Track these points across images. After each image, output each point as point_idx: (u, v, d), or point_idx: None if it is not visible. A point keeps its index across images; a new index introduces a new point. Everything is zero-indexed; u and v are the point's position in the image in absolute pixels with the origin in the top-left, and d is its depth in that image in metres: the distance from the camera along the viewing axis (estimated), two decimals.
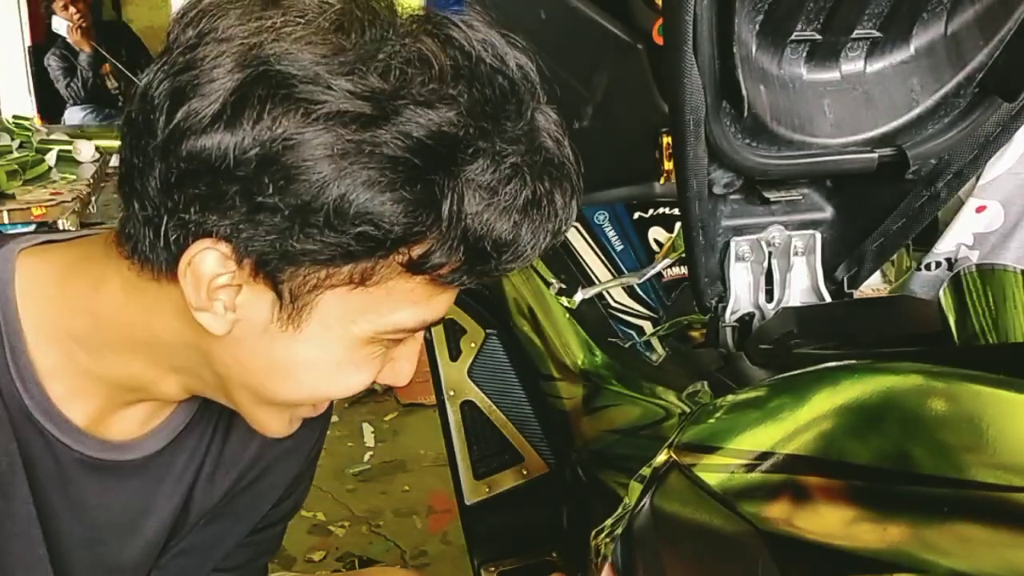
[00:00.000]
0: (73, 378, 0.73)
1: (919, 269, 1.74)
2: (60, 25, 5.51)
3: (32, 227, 2.80)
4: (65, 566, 0.79)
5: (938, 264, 1.80)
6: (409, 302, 0.66)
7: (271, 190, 0.59)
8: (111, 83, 5.71)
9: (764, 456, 0.67)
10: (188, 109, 0.59)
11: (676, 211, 1.44)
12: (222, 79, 0.59)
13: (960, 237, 1.74)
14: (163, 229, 0.62)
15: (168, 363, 0.72)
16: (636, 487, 0.79)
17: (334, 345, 0.67)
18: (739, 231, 0.96)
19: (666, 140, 1.41)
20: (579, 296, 1.32)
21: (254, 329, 0.66)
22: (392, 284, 0.64)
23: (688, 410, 1.03)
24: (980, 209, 1.70)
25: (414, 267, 0.63)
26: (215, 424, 0.84)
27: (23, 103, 5.67)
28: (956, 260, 1.83)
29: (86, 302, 0.71)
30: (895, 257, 1.91)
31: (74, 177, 3.36)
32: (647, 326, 1.33)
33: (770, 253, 0.97)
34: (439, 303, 0.68)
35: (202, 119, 0.59)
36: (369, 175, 0.59)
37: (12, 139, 3.45)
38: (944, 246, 1.69)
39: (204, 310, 0.64)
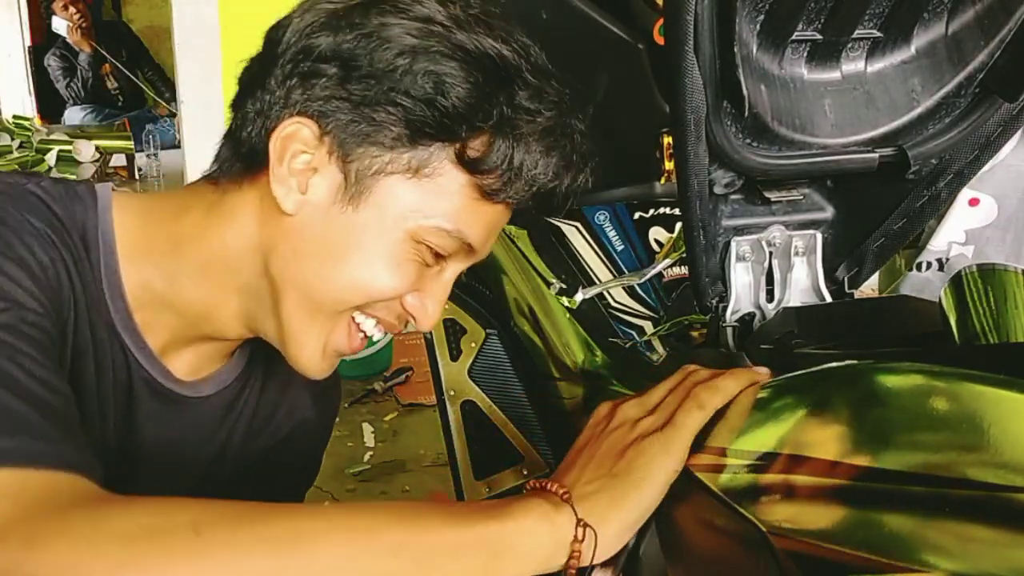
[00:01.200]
0: (148, 307, 0.82)
1: (911, 269, 1.74)
2: (60, 25, 5.52)
3: None
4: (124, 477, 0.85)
5: (929, 265, 1.80)
6: (452, 205, 0.76)
7: (361, 58, 0.72)
8: (111, 83, 5.71)
9: (766, 456, 0.67)
10: (309, 17, 0.75)
11: (677, 211, 1.44)
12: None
13: (952, 235, 1.74)
14: (270, 114, 0.76)
15: (233, 282, 0.81)
16: None
17: (382, 233, 0.76)
18: (740, 231, 0.96)
19: (667, 140, 1.41)
20: (580, 296, 1.32)
21: (317, 211, 0.76)
22: (442, 181, 0.75)
23: None
24: (973, 202, 1.69)
25: (465, 162, 0.74)
26: (252, 390, 0.94)
27: (23, 103, 5.68)
28: (948, 259, 1.83)
29: (168, 229, 0.82)
30: None
31: (74, 177, 3.37)
32: (648, 326, 1.33)
33: (771, 253, 0.97)
34: (476, 219, 0.77)
35: (317, 22, 0.75)
36: (444, 51, 0.72)
37: (12, 139, 3.47)
38: (937, 244, 1.69)
39: (281, 183, 0.75)
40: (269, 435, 0.98)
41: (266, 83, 0.76)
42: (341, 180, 0.75)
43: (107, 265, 0.80)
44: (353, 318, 0.81)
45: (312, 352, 0.81)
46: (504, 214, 0.80)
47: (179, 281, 0.82)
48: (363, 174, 0.75)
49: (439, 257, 0.79)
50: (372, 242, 0.76)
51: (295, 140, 0.75)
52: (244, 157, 0.78)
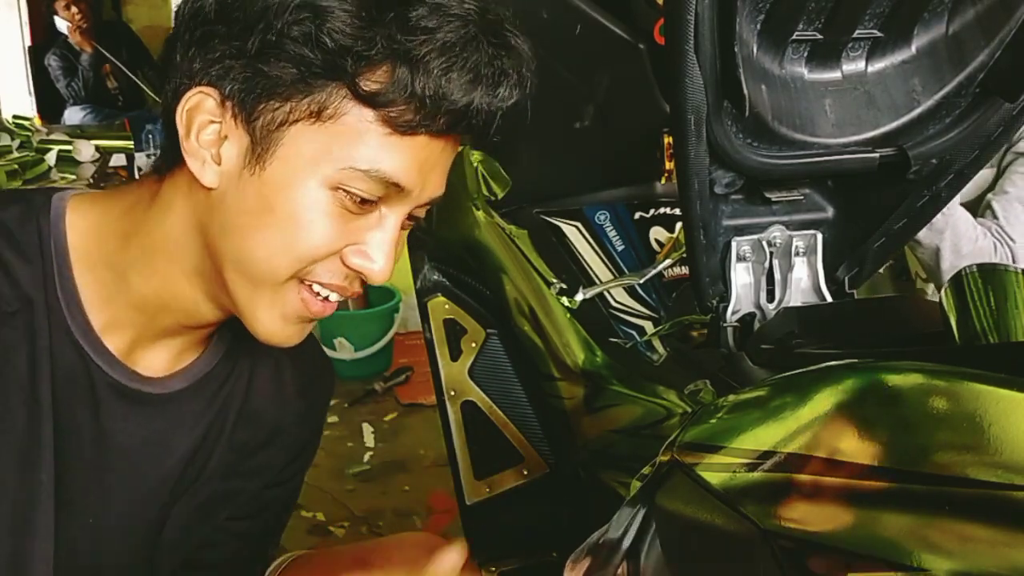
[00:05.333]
0: (108, 307, 0.82)
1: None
2: (62, 25, 5.52)
3: None
4: (64, 485, 0.84)
5: None
6: (363, 143, 0.72)
7: (238, 6, 0.70)
8: (111, 83, 5.70)
9: (766, 455, 0.67)
10: None
11: (677, 211, 1.45)
12: None
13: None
14: (177, 91, 0.74)
15: (180, 268, 0.80)
16: (638, 487, 0.79)
17: (293, 187, 0.73)
18: (740, 231, 0.96)
19: (667, 140, 1.42)
20: (580, 296, 1.32)
21: (232, 180, 0.74)
22: (347, 120, 0.72)
23: (690, 410, 1.03)
24: None
25: (364, 98, 0.71)
26: (239, 379, 0.92)
27: (23, 103, 5.67)
28: None
29: (118, 226, 0.81)
30: None
31: (74, 177, 3.38)
32: (648, 326, 1.33)
33: (771, 253, 0.97)
34: (394, 156, 0.73)
35: None
36: None
37: (12, 139, 3.47)
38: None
39: (194, 156, 0.74)
40: (259, 427, 0.96)
41: (173, 58, 0.75)
42: (248, 142, 0.73)
43: (60, 274, 0.79)
44: (304, 283, 0.78)
45: (269, 323, 0.79)
46: (433, 146, 0.75)
47: (128, 277, 0.81)
48: (268, 129, 0.72)
49: (366, 203, 0.74)
50: (284, 200, 0.73)
51: (200, 111, 0.73)
52: (173, 140, 0.76)
